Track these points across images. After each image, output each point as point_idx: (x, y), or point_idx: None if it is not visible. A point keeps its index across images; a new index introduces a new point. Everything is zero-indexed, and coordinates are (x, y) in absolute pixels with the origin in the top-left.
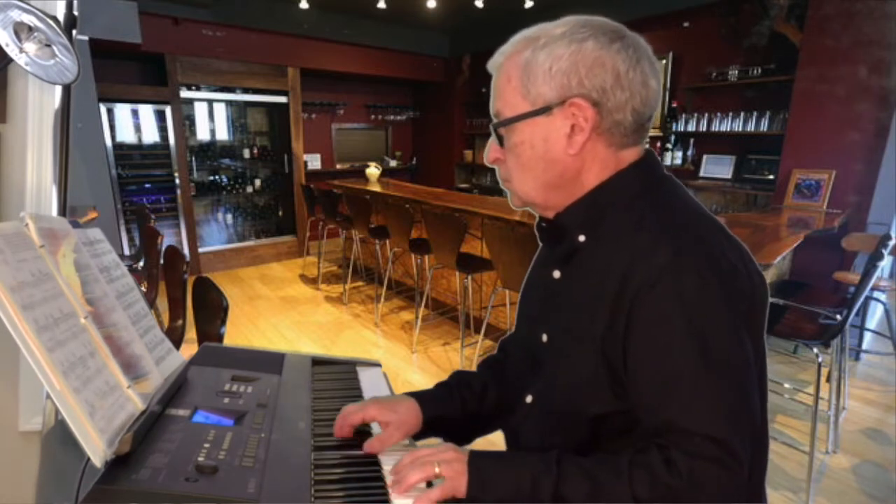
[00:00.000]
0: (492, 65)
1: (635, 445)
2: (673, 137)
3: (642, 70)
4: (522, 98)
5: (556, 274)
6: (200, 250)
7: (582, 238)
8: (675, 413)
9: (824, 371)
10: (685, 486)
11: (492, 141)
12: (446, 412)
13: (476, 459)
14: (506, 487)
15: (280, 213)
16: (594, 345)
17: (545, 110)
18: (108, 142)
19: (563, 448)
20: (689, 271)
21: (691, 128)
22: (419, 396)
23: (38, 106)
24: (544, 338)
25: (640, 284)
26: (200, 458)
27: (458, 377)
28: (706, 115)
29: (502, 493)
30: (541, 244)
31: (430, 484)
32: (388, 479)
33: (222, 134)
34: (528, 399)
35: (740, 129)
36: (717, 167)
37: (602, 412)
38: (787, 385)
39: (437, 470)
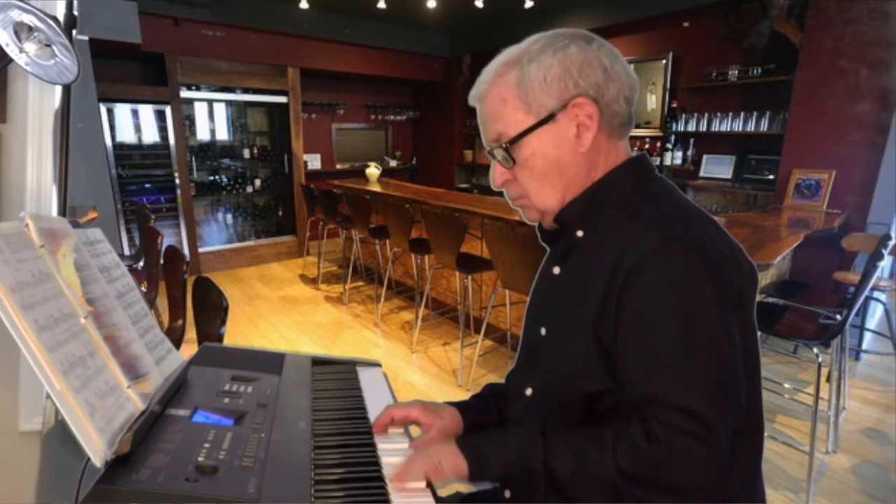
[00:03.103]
0: (474, 97)
1: (618, 418)
2: (673, 137)
3: (621, 62)
4: (525, 113)
5: (556, 270)
6: (200, 250)
7: (580, 233)
8: (656, 387)
9: (824, 371)
10: (665, 457)
11: (495, 164)
12: (484, 421)
13: (465, 442)
14: (499, 461)
15: (280, 213)
16: (587, 328)
17: (550, 118)
18: (108, 142)
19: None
20: (677, 256)
21: (691, 128)
22: (459, 406)
23: (38, 106)
24: (543, 331)
25: (630, 268)
26: (200, 458)
27: (492, 389)
28: (706, 115)
29: (497, 467)
30: (546, 246)
31: (430, 487)
32: (388, 478)
33: (222, 134)
34: (528, 392)
35: (740, 129)
36: (717, 167)
37: (595, 390)
38: (787, 385)
39: (435, 461)
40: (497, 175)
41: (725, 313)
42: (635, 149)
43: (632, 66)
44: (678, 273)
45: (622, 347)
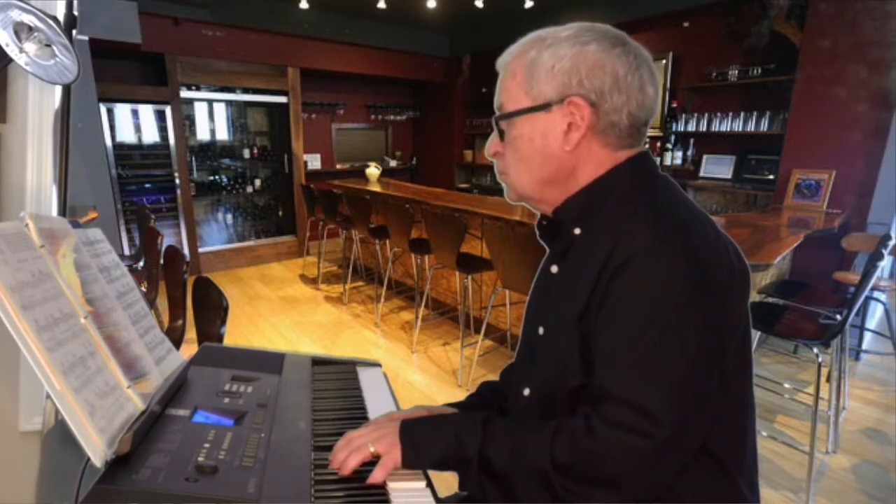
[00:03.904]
0: (500, 63)
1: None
2: (673, 137)
3: (640, 76)
4: (525, 94)
5: (554, 269)
6: (200, 250)
7: (577, 231)
8: (610, 379)
9: (824, 371)
10: (600, 451)
11: (494, 135)
12: None
13: (407, 429)
14: (436, 450)
15: (280, 213)
16: (573, 323)
17: (545, 107)
18: (108, 142)
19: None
20: (665, 256)
21: (691, 128)
22: (459, 406)
23: (38, 106)
24: (541, 331)
25: (618, 265)
26: (200, 458)
27: (488, 387)
28: (706, 115)
29: (434, 456)
30: (545, 245)
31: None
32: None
33: (222, 134)
34: (526, 392)
35: (740, 129)
36: (717, 167)
37: (576, 385)
38: (787, 385)
39: (371, 450)
40: (492, 145)
41: (704, 318)
42: None
43: None
44: (662, 273)
45: (595, 340)
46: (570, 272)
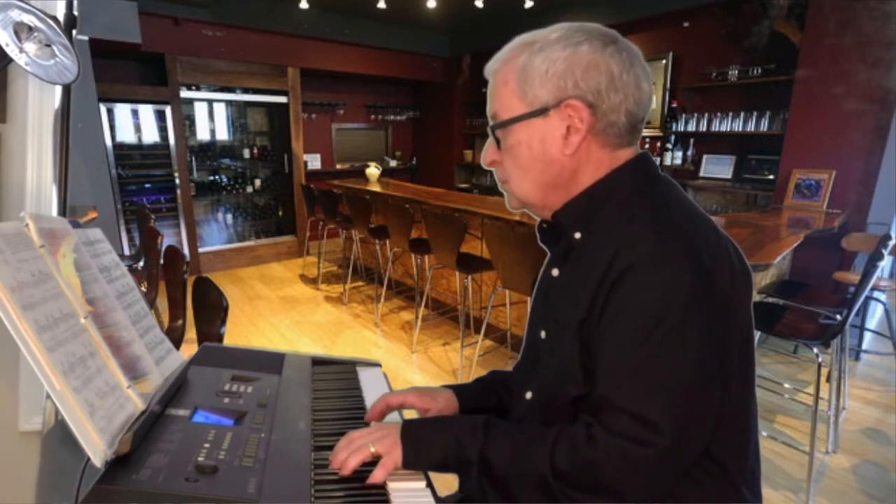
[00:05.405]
0: (488, 70)
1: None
2: (673, 137)
3: (635, 73)
4: (519, 100)
5: (555, 272)
6: (200, 250)
7: (578, 235)
8: (612, 389)
9: (824, 371)
10: (600, 459)
11: (489, 143)
12: (481, 405)
13: (408, 429)
14: (437, 452)
15: (280, 213)
16: (574, 329)
17: (542, 112)
18: (108, 142)
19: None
20: (666, 261)
21: (691, 128)
22: (456, 389)
23: (38, 106)
24: (543, 334)
25: (619, 271)
26: (200, 458)
27: (493, 375)
28: (706, 115)
29: (435, 457)
30: (546, 248)
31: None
32: (334, 463)
33: (222, 134)
34: (528, 395)
35: (740, 129)
36: (717, 167)
37: (578, 394)
38: (787, 385)
39: (372, 450)
40: (488, 154)
41: (707, 321)
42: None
43: None
44: (664, 278)
45: (596, 348)
46: (571, 276)
